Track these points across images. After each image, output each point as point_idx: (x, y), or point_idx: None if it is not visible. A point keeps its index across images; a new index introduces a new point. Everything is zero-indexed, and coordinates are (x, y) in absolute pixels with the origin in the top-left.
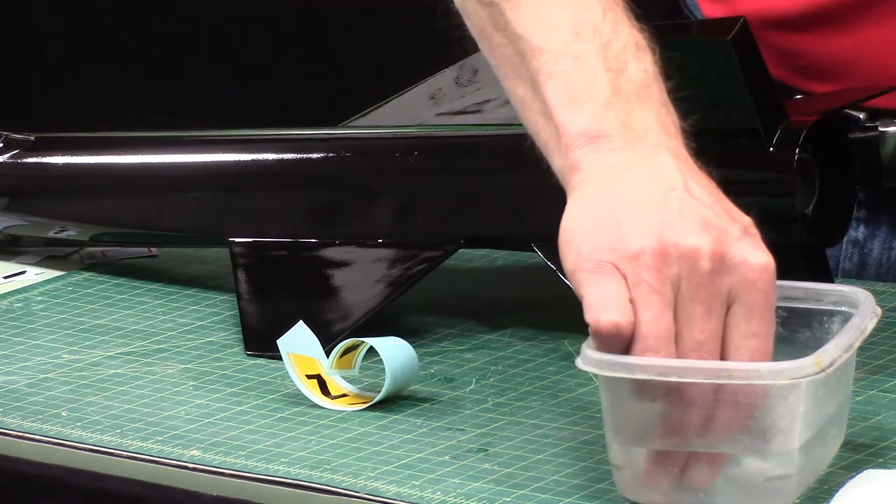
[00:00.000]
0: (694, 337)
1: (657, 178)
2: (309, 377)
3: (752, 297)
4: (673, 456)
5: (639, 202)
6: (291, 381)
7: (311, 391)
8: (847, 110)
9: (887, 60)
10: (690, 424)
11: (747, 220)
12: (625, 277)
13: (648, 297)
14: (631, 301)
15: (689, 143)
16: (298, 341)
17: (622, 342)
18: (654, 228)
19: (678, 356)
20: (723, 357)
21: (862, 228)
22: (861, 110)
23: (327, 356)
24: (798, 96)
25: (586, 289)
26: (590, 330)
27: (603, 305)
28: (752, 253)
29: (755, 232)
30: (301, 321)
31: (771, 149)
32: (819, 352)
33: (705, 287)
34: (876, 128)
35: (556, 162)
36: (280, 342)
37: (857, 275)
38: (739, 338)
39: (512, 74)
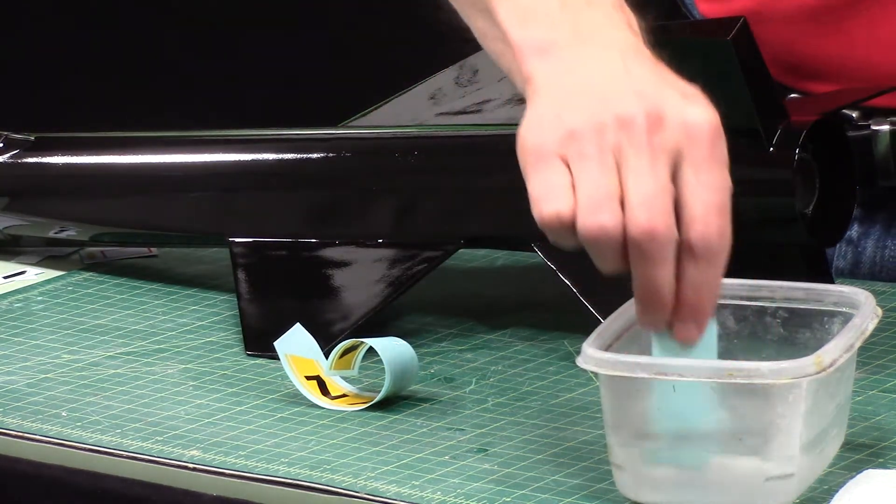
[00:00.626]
0: (640, 191)
1: (600, 72)
2: (308, 378)
3: (696, 151)
4: (657, 304)
5: (580, 93)
6: (291, 382)
7: (311, 392)
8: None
9: (880, 60)
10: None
11: (691, 89)
12: (568, 165)
13: (587, 166)
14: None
15: (647, 40)
16: (296, 343)
17: (568, 229)
18: (590, 108)
19: (626, 217)
20: (677, 214)
21: (856, 227)
22: (854, 109)
23: (327, 357)
24: (793, 95)
25: (529, 183)
26: (538, 224)
27: (544, 196)
28: (691, 110)
29: (699, 97)
30: (298, 323)
31: (771, 149)
32: (819, 352)
33: (645, 145)
34: (869, 126)
35: (517, 83)
36: (277, 344)
37: (850, 273)
38: (690, 193)
39: (470, 9)
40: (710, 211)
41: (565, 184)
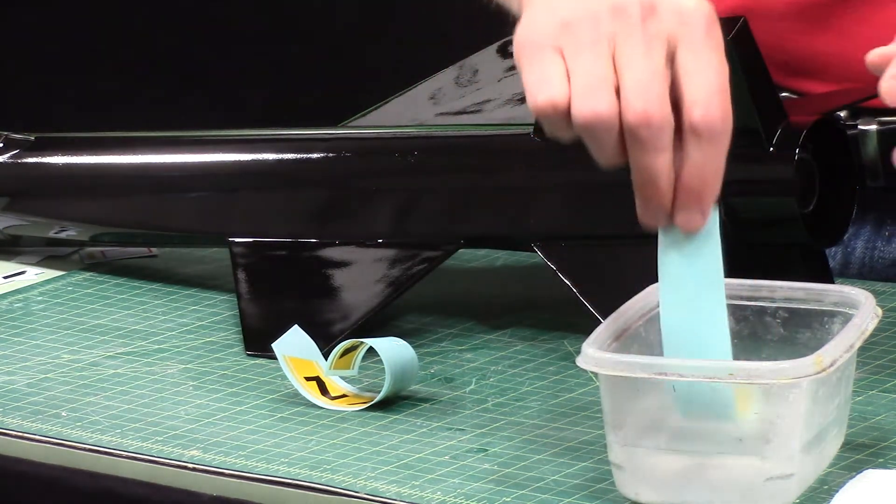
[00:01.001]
0: (635, 77)
1: None
2: (307, 379)
3: (692, 36)
4: (656, 194)
5: None
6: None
7: (311, 392)
8: None
9: None
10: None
11: None
12: (563, 56)
13: (582, 54)
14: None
15: None
16: (294, 344)
17: (562, 117)
18: (586, 2)
19: (622, 103)
20: (676, 99)
21: None
22: (843, 109)
23: (326, 357)
24: (784, 94)
25: (524, 75)
26: (533, 113)
27: (539, 84)
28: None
29: None
30: (296, 325)
31: (771, 149)
32: (820, 352)
33: (640, 32)
34: (856, 126)
35: (514, 5)
36: (275, 346)
37: (839, 273)
38: (689, 76)
39: None
40: (711, 92)
41: (560, 72)
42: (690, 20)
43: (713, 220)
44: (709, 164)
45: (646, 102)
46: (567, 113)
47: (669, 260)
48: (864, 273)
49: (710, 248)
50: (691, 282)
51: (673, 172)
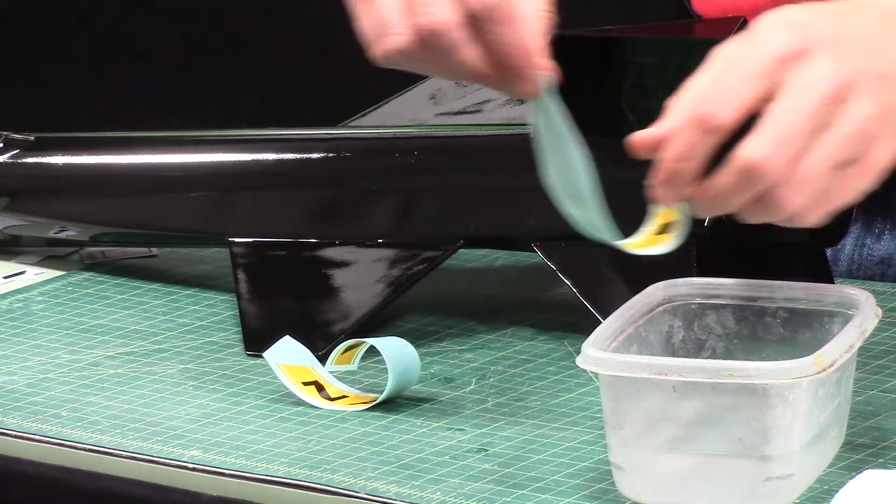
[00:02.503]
0: None
1: None
2: (305, 384)
3: None
4: (476, 79)
5: None
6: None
7: (310, 395)
8: None
9: None
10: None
11: None
12: None
13: None
14: None
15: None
16: (286, 352)
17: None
18: None
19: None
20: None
21: None
22: None
23: (326, 357)
24: None
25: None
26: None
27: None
28: None
29: None
30: (287, 335)
31: None
32: (820, 352)
33: None
34: None
35: None
36: (267, 354)
37: None
38: None
39: None
40: None
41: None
42: None
43: (546, 85)
44: (505, 40)
45: (429, 15)
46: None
47: (535, 123)
48: (853, 271)
49: (553, 107)
50: (550, 136)
51: (481, 60)
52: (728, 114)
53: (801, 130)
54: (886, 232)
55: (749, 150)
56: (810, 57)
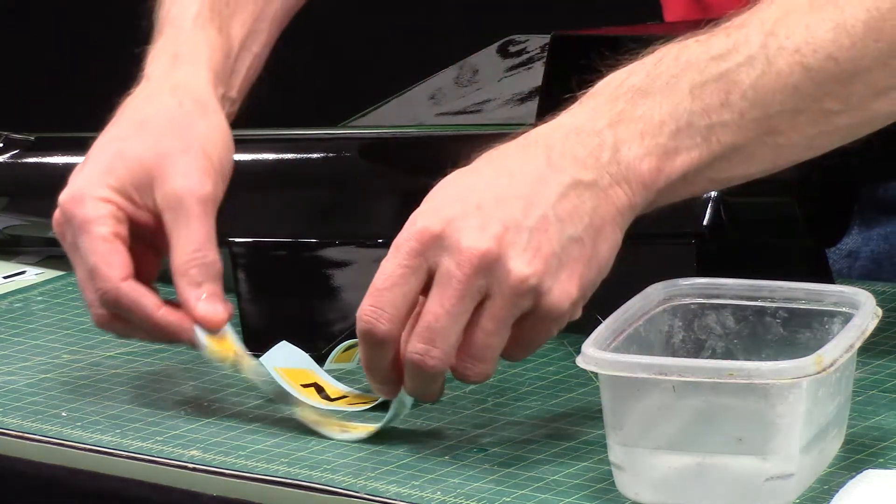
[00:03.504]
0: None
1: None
2: (304, 386)
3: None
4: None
5: None
6: None
7: (310, 397)
8: None
9: None
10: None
11: None
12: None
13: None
14: None
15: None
16: (284, 357)
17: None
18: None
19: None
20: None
21: None
22: None
23: (326, 356)
24: None
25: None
26: None
27: None
28: None
29: None
30: (284, 341)
31: None
32: (820, 352)
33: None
34: None
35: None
36: (264, 359)
37: None
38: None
39: None
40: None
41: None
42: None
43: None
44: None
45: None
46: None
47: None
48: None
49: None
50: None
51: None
52: (386, 326)
53: (450, 316)
54: (854, 226)
55: (409, 348)
56: (448, 235)
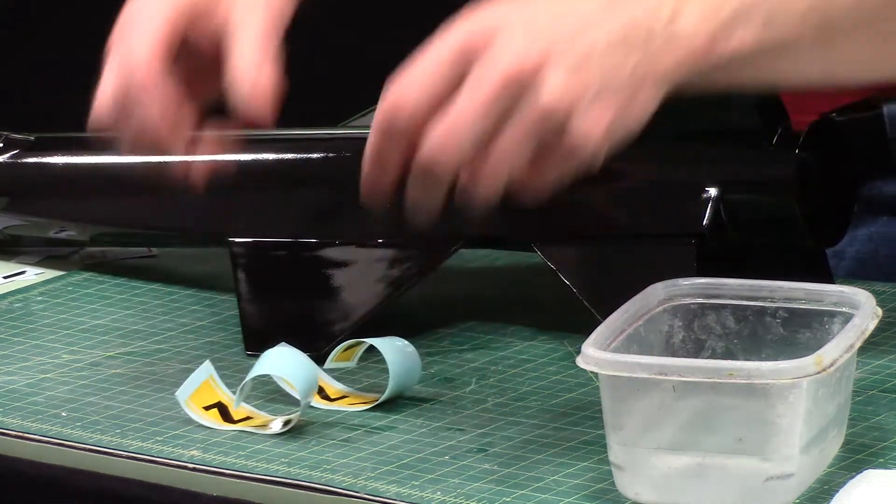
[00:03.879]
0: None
1: None
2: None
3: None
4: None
5: None
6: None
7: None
8: None
9: None
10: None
11: None
12: None
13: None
14: None
15: None
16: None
17: None
18: None
19: None
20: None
21: None
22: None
23: (326, 356)
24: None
25: None
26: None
27: None
28: None
29: None
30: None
31: (771, 149)
32: (820, 352)
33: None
34: (881, 108)
35: None
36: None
37: None
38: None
39: None
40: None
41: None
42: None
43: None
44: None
45: None
46: None
47: None
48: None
49: None
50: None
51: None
52: (408, 113)
53: (476, 119)
54: None
55: (426, 143)
56: (494, 41)
